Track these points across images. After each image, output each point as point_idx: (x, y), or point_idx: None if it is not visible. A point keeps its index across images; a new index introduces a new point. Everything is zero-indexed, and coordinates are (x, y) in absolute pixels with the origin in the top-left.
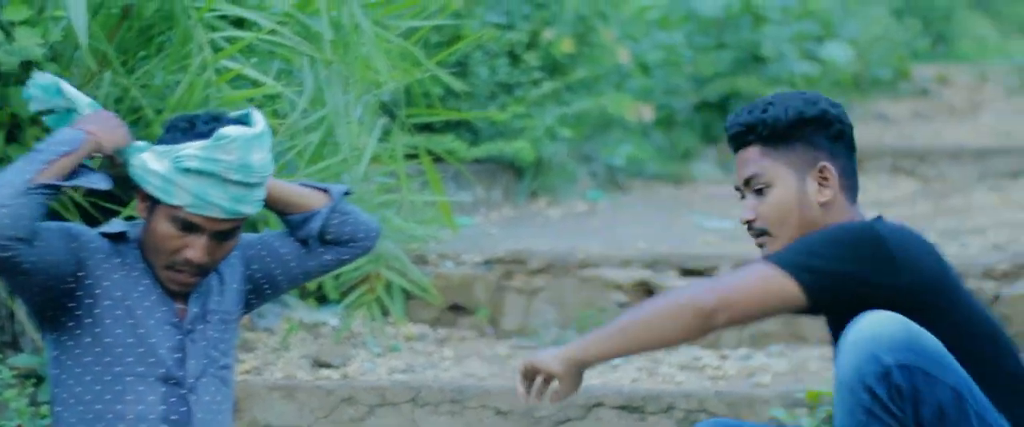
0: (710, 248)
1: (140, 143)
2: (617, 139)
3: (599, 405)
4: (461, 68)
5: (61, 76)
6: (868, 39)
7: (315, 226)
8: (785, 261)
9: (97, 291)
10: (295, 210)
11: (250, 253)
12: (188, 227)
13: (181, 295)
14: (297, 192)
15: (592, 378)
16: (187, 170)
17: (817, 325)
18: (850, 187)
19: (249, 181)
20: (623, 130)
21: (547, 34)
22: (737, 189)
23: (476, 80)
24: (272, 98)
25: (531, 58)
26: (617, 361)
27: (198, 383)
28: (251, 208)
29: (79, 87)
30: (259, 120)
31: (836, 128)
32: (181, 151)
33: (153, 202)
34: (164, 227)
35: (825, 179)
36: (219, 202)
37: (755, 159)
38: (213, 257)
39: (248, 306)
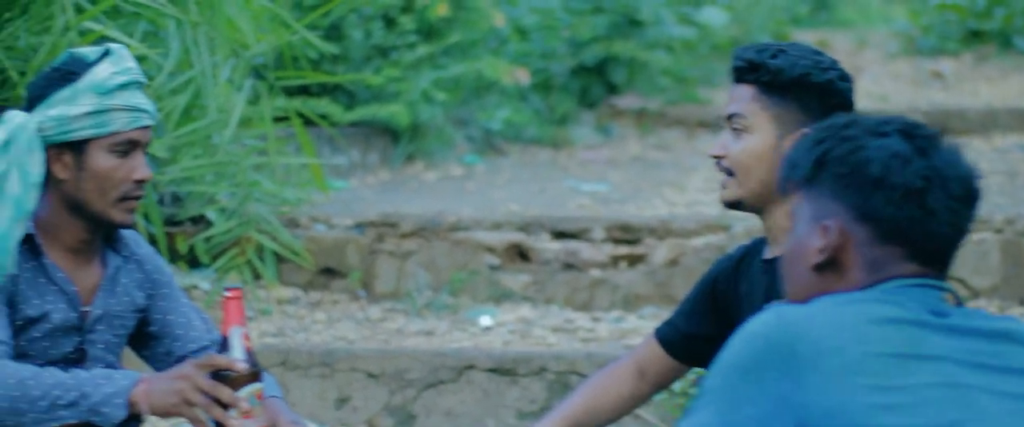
0: (583, 211)
1: None
2: (495, 103)
3: (471, 367)
4: (335, 31)
5: None
6: (746, 3)
7: None
8: None
9: (19, 321)
10: None
11: (155, 292)
12: (127, 149)
13: (87, 293)
14: None
15: (464, 340)
16: (116, 88)
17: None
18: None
19: (145, 83)
20: (501, 94)
21: None
22: (724, 118)
23: (351, 43)
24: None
25: (406, 21)
26: (490, 323)
27: None
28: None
29: None
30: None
31: (836, 101)
32: (96, 78)
33: (79, 150)
34: (105, 162)
35: None
36: (145, 107)
37: (745, 99)
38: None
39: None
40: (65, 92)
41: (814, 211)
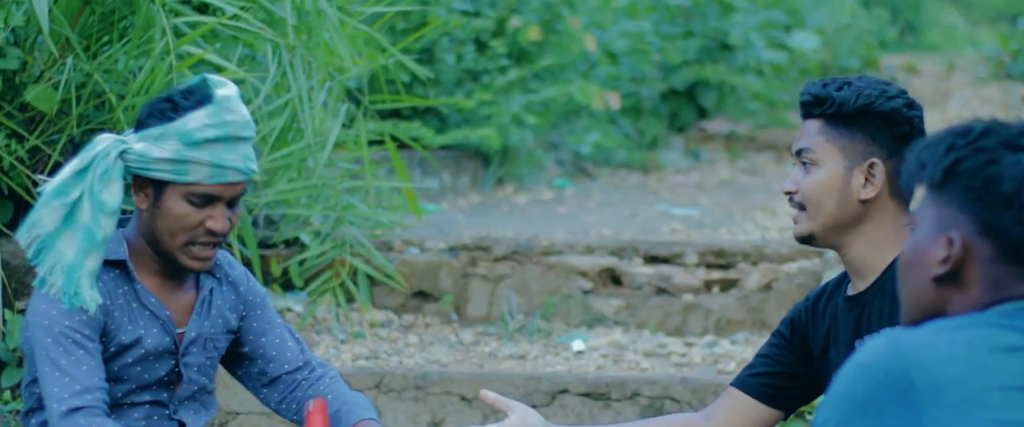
0: (676, 235)
1: None
2: (584, 127)
3: (564, 392)
4: (427, 55)
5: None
6: (836, 28)
7: None
8: None
9: (112, 349)
10: None
11: (248, 313)
12: (206, 201)
13: (181, 316)
14: None
15: (557, 365)
16: (204, 142)
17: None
18: (903, 191)
19: (252, 136)
20: (590, 118)
21: (514, 21)
22: (791, 155)
23: (442, 67)
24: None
25: (498, 45)
26: (582, 347)
27: (182, 406)
28: (256, 165)
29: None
30: (222, 80)
31: (903, 129)
32: (186, 126)
33: (158, 187)
34: (179, 208)
35: (872, 176)
36: (235, 165)
37: (812, 133)
38: (232, 224)
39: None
40: (156, 129)
41: (939, 218)
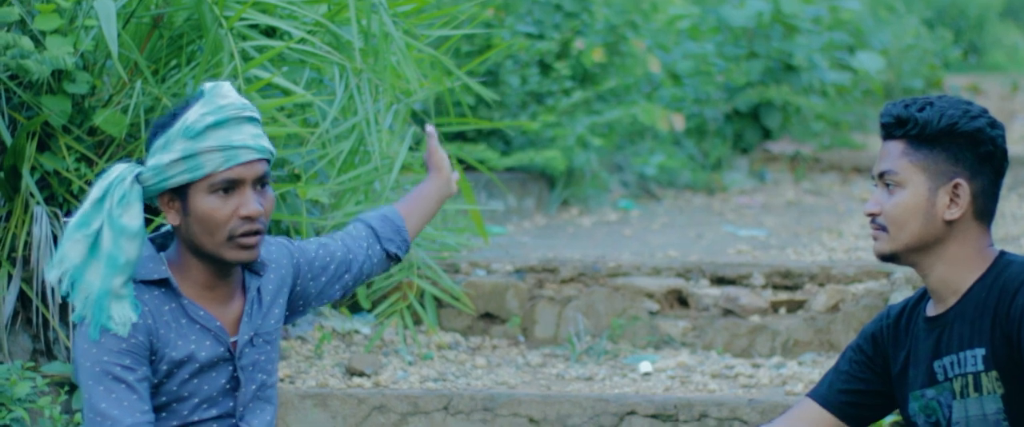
0: (742, 257)
1: None
2: (648, 148)
3: (632, 413)
4: (492, 77)
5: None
6: (899, 49)
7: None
8: None
9: (164, 367)
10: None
11: (301, 262)
12: (230, 186)
13: (233, 324)
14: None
15: (625, 386)
16: (206, 129)
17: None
18: (984, 211)
19: (255, 116)
20: (654, 139)
21: (578, 44)
22: (872, 177)
23: (507, 89)
24: (303, 107)
25: (562, 67)
26: (649, 369)
27: (247, 410)
28: (269, 144)
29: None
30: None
31: (986, 148)
32: (186, 122)
33: (182, 195)
34: (207, 204)
35: (957, 196)
36: (245, 143)
37: (895, 155)
38: (264, 207)
39: (286, 319)
40: (160, 140)
41: None
